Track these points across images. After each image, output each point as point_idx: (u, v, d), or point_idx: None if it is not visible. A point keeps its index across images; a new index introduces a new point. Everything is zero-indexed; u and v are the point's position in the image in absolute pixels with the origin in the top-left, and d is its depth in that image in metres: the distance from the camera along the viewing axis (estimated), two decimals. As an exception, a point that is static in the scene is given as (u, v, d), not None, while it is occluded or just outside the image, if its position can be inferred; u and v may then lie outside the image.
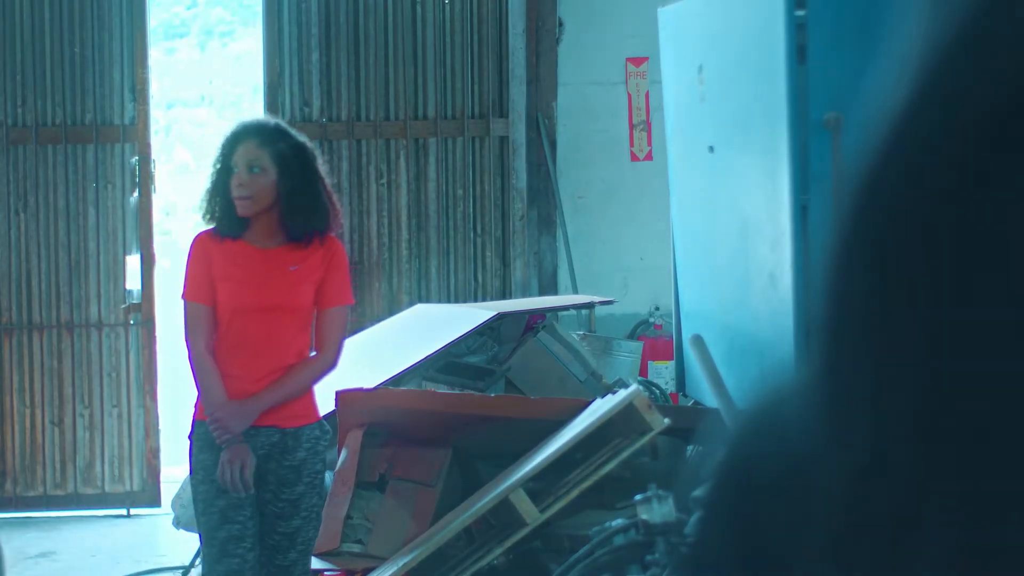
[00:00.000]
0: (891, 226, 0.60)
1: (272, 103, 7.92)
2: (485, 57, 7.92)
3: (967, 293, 0.57)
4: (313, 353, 4.65)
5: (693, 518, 3.87)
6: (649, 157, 7.58)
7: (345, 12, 7.89)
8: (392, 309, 7.61)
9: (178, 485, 7.18)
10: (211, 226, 4.60)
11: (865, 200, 0.61)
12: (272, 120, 4.72)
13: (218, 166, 4.58)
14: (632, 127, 7.64)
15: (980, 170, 0.57)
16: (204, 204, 4.65)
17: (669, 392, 6.49)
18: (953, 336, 0.57)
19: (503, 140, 7.91)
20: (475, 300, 7.63)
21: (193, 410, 4.71)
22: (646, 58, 7.49)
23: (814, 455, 0.63)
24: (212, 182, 4.60)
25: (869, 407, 0.59)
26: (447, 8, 7.90)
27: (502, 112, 7.91)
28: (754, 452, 0.72)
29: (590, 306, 7.22)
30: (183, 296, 4.61)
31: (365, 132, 7.93)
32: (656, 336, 7.19)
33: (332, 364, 4.64)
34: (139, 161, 7.88)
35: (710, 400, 4.92)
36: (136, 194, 7.90)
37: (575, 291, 7.61)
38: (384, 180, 7.92)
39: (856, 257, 0.61)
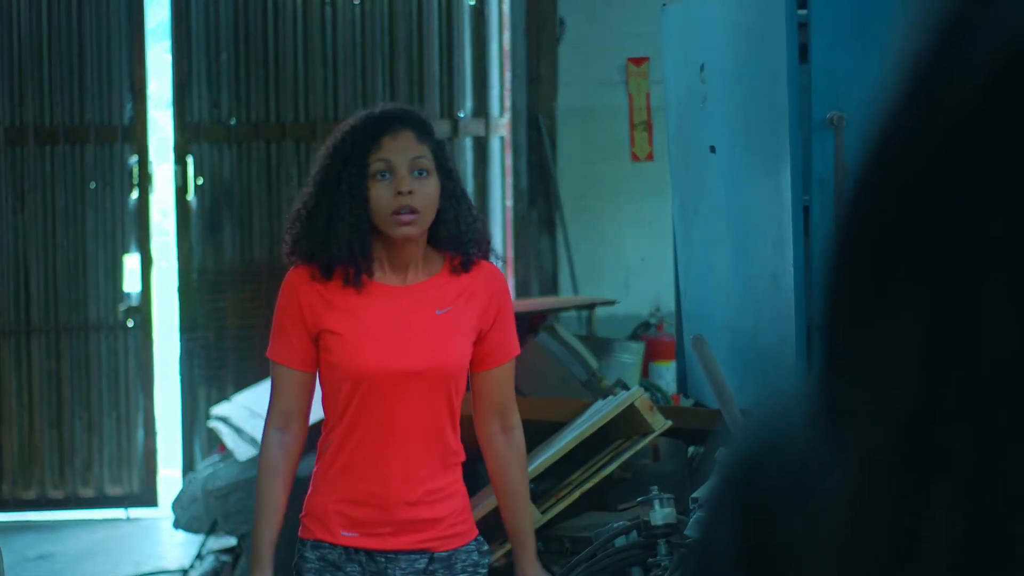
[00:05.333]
0: (883, 224, 0.60)
1: (180, 104, 7.89)
2: (398, 58, 7.92)
3: (960, 289, 0.57)
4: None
5: (694, 518, 3.85)
6: (650, 157, 7.56)
7: (255, 13, 7.84)
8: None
9: (177, 486, 7.17)
10: (312, 262, 3.25)
11: (857, 200, 0.61)
12: (408, 107, 3.50)
13: (338, 170, 3.22)
14: (633, 127, 7.62)
15: (967, 167, 0.57)
16: (301, 232, 3.26)
17: (671, 393, 6.47)
18: (950, 334, 0.57)
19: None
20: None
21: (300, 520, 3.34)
22: (647, 58, 7.47)
23: (817, 456, 0.62)
24: (324, 196, 3.23)
25: (867, 407, 0.59)
26: (357, 8, 7.88)
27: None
28: (759, 453, 0.72)
29: (591, 307, 7.20)
30: (269, 353, 3.33)
31: (276, 134, 7.89)
32: (657, 337, 7.17)
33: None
34: (137, 162, 7.86)
35: (712, 401, 4.91)
36: (135, 194, 7.88)
37: (575, 292, 7.59)
38: (295, 182, 7.85)
39: (851, 256, 0.61)
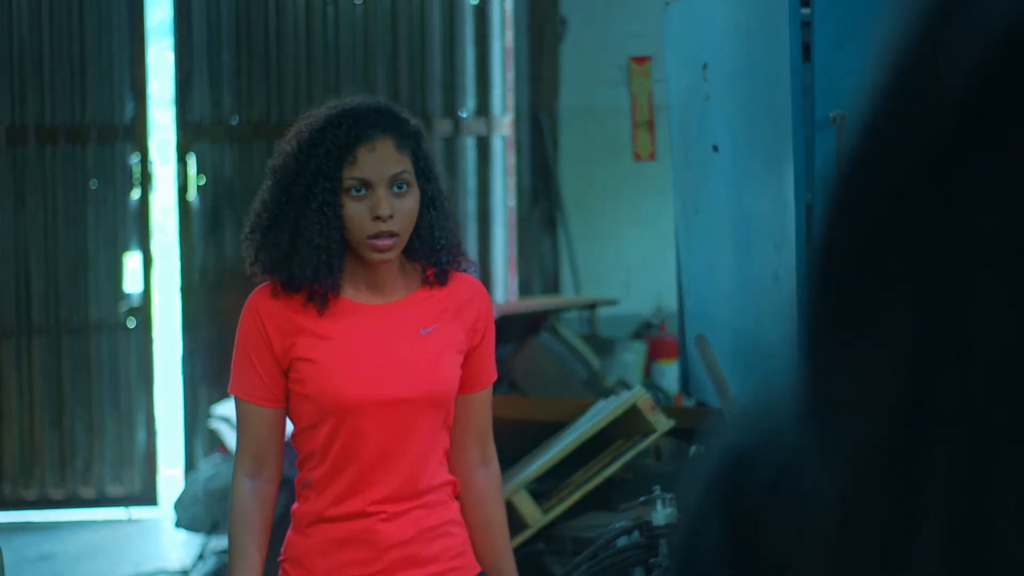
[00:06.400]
0: (873, 220, 0.59)
1: (181, 103, 7.87)
2: (400, 57, 7.90)
3: (952, 286, 0.57)
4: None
5: (683, 519, 3.84)
6: (652, 157, 7.55)
7: (257, 11, 7.83)
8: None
9: (178, 486, 7.16)
10: (274, 279, 2.93)
11: (847, 195, 0.61)
12: (382, 100, 3.03)
13: (307, 183, 2.89)
14: (635, 126, 7.60)
15: (957, 161, 0.57)
16: (262, 242, 2.93)
17: (673, 393, 6.45)
18: (942, 331, 0.57)
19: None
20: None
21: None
22: (649, 57, 7.46)
23: (806, 455, 0.62)
24: (289, 208, 2.90)
25: (855, 404, 0.59)
26: (359, 7, 7.87)
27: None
28: (747, 452, 0.72)
29: (593, 306, 7.19)
30: (229, 388, 3.02)
31: (278, 133, 7.87)
32: (659, 336, 7.16)
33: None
34: (139, 161, 7.85)
35: (714, 401, 4.89)
36: (136, 194, 7.87)
37: (577, 291, 7.58)
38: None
39: (840, 253, 0.61)
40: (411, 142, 2.92)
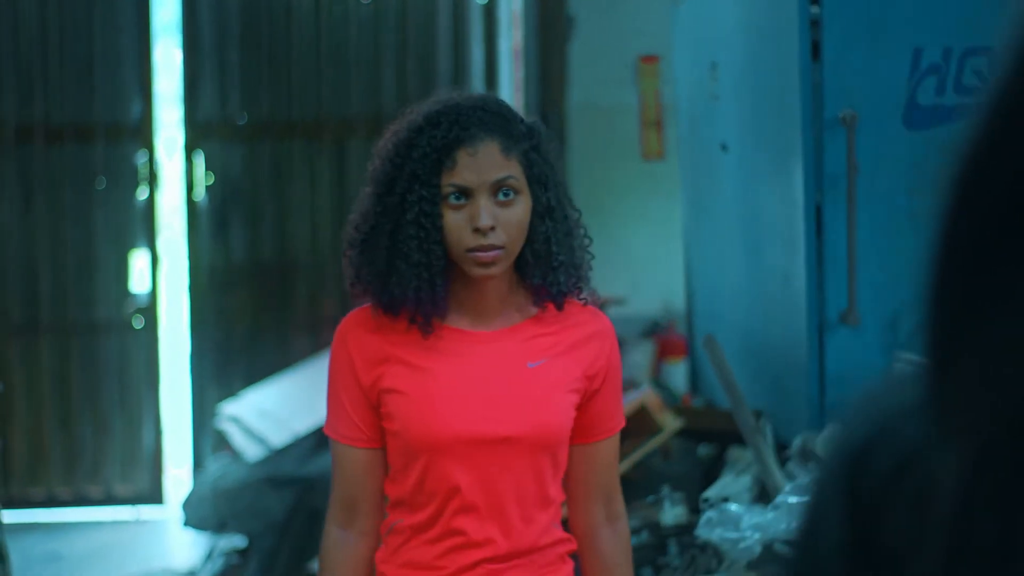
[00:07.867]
0: (988, 208, 0.60)
1: (189, 102, 7.86)
2: (408, 56, 7.89)
3: None
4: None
5: (704, 518, 3.83)
6: (660, 156, 7.53)
7: (266, 11, 7.82)
8: (315, 314, 7.67)
9: (186, 486, 7.16)
10: (376, 299, 2.57)
11: (955, 214, 0.61)
12: (492, 96, 2.62)
13: (403, 190, 2.52)
14: (644, 125, 7.59)
15: None
16: (360, 260, 2.57)
17: (681, 393, 6.44)
18: None
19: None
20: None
21: None
22: (658, 56, 7.44)
23: (928, 443, 0.63)
24: (384, 219, 2.53)
25: (980, 391, 0.59)
26: (367, 7, 7.86)
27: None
28: (866, 444, 0.72)
29: (601, 305, 7.17)
30: (325, 429, 2.65)
31: (285, 132, 7.86)
32: (668, 336, 7.14)
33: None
34: (146, 160, 7.84)
35: (724, 401, 4.88)
36: (145, 193, 7.86)
37: (586, 291, 7.57)
38: (304, 181, 7.86)
39: (956, 244, 0.61)
40: (522, 144, 2.56)
